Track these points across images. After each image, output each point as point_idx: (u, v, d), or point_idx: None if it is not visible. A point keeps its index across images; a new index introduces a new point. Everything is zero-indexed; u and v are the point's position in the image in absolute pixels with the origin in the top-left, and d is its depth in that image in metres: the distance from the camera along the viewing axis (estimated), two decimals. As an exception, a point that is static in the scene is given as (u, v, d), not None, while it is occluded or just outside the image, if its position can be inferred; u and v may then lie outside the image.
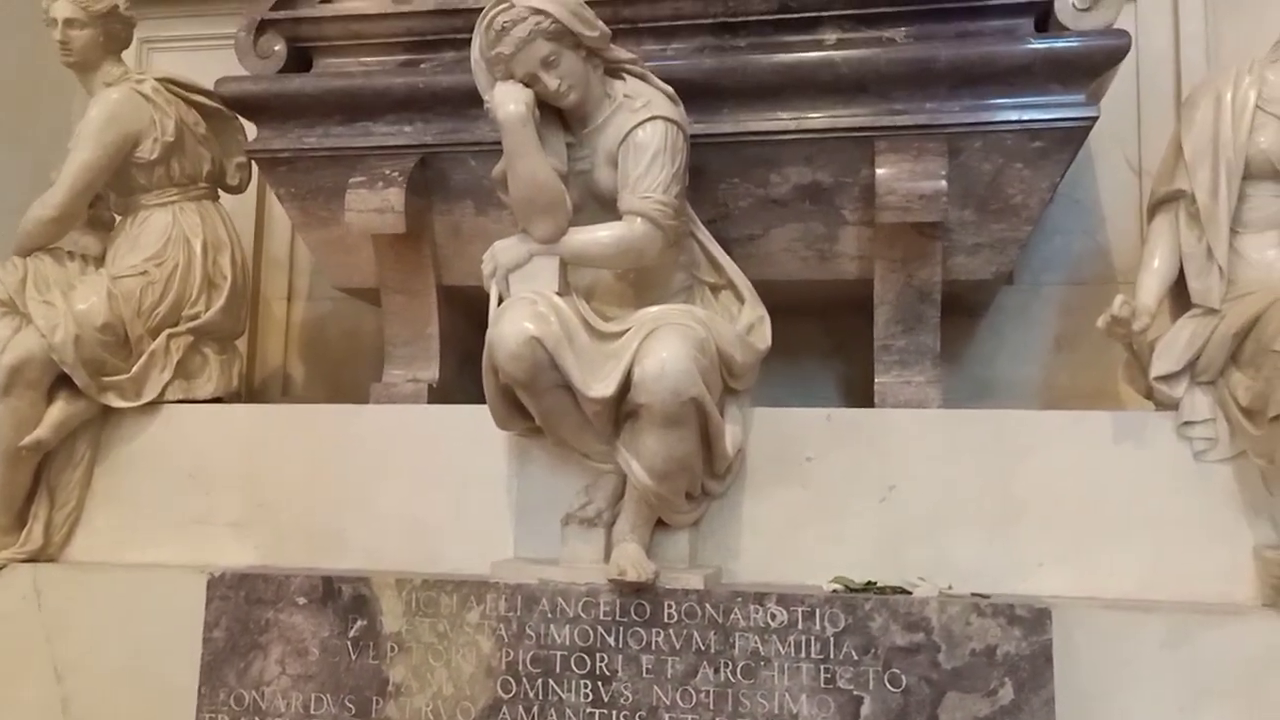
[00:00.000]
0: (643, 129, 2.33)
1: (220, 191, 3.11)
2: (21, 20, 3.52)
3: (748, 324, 2.50)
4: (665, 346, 2.21)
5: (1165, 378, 2.37)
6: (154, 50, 3.56)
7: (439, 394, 2.84)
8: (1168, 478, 2.35)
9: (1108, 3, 2.53)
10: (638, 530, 2.35)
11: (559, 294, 2.30)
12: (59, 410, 2.72)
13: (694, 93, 2.54)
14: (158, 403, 2.81)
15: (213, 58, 3.28)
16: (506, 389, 2.33)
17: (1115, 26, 2.55)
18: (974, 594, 2.24)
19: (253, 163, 3.05)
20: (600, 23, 2.36)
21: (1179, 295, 2.50)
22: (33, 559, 2.74)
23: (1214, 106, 2.42)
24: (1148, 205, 2.62)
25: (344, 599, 2.38)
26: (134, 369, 2.78)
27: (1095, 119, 2.54)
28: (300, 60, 2.97)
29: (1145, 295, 2.43)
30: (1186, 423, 2.35)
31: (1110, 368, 2.76)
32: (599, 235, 2.34)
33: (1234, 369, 2.32)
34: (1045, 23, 2.63)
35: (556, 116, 2.42)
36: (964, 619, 2.14)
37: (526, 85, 2.31)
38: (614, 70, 2.43)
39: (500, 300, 2.34)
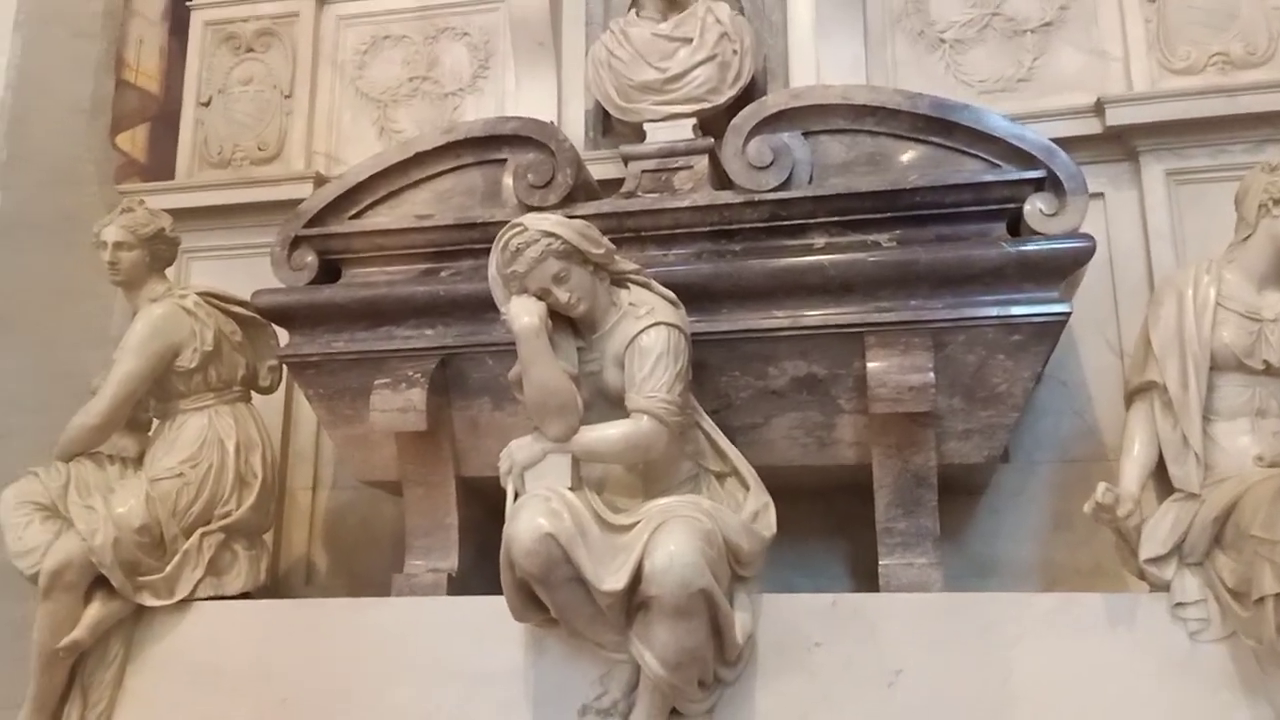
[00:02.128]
0: (647, 334, 2.47)
1: (252, 392, 3.23)
2: (54, 228, 3.66)
3: (752, 511, 2.56)
4: (673, 540, 2.29)
5: (1154, 560, 2.44)
6: (193, 259, 3.77)
7: (458, 583, 2.91)
8: (1164, 660, 2.38)
9: (1073, 209, 2.70)
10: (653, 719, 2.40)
11: (572, 489, 2.39)
12: (96, 610, 2.80)
13: (694, 295, 2.70)
14: (188, 600, 2.89)
15: (246, 266, 3.53)
16: (523, 582, 2.40)
17: (1082, 230, 2.70)
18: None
19: (283, 365, 3.21)
20: (606, 240, 2.54)
21: (1162, 476, 2.57)
22: (63, 763, 2.77)
23: (1177, 304, 2.56)
24: (1124, 393, 2.74)
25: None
26: (168, 568, 2.87)
27: (1068, 314, 2.68)
28: (329, 270, 3.16)
29: (1127, 481, 2.52)
30: (1179, 604, 2.40)
31: (1106, 545, 2.80)
32: (608, 433, 2.45)
33: (1219, 551, 2.39)
34: (1018, 224, 2.80)
35: (568, 323, 2.55)
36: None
37: (539, 298, 2.46)
38: (619, 280, 2.59)
39: (516, 496, 2.43)
